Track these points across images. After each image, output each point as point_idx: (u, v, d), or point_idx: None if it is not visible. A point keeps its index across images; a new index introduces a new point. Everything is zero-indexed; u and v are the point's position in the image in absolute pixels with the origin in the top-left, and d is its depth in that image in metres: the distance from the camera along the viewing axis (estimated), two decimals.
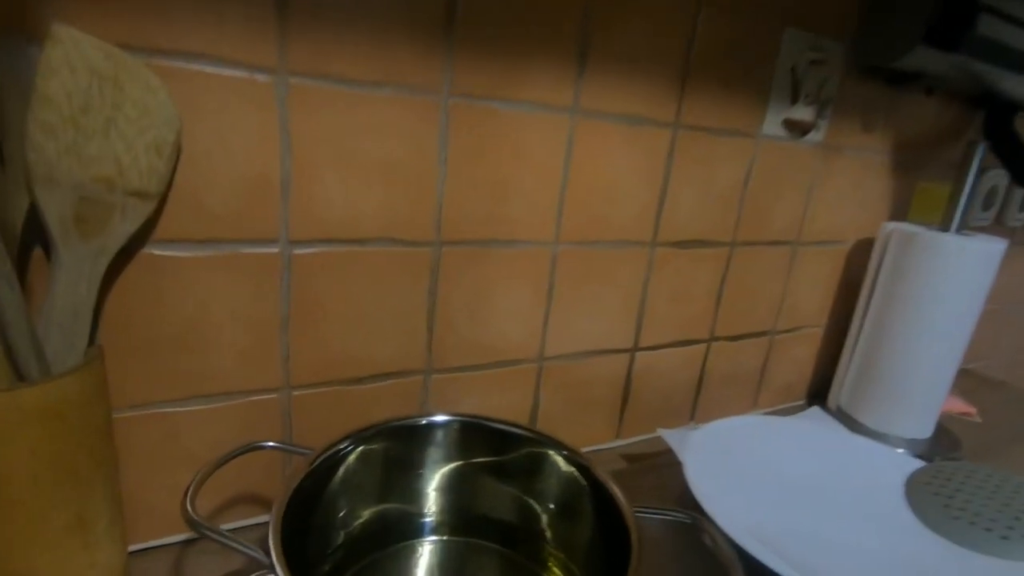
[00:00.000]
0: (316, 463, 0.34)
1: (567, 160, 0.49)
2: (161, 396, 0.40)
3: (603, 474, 0.35)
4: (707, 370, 0.67)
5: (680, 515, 0.33)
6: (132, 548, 0.42)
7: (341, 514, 0.38)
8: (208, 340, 0.40)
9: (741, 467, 0.53)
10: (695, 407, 0.68)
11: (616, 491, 0.33)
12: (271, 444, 0.36)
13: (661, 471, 0.58)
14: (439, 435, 0.40)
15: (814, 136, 0.63)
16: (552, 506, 0.38)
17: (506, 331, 0.52)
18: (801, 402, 0.79)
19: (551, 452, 0.38)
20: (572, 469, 0.37)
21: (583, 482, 0.36)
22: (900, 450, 0.65)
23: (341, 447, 0.36)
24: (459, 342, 0.50)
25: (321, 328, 0.43)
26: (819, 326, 0.76)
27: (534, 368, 0.55)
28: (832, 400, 0.74)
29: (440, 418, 0.40)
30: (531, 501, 0.38)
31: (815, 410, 0.69)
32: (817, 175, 0.65)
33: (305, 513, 0.33)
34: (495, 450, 0.39)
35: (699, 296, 0.63)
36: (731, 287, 0.64)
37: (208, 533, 0.28)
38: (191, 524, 0.28)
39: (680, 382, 0.66)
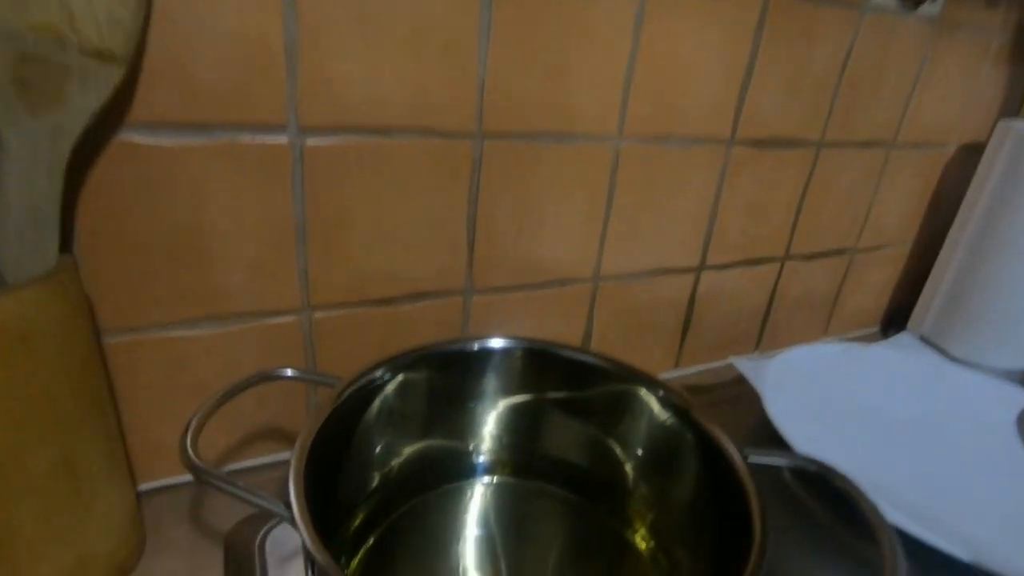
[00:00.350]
0: (345, 396, 0.28)
1: (636, 32, 0.40)
2: (162, 318, 0.34)
3: (707, 420, 0.28)
4: (778, 293, 0.59)
5: (803, 462, 0.26)
6: (144, 487, 0.37)
7: (377, 452, 0.32)
8: (210, 251, 0.33)
9: (829, 401, 0.46)
10: (761, 334, 0.61)
11: (725, 443, 0.26)
12: (288, 373, 0.30)
13: (728, 405, 0.52)
14: (497, 364, 0.33)
15: (929, 8, 0.51)
16: (640, 453, 0.32)
17: (558, 245, 0.44)
18: (874, 330, 0.71)
19: (642, 390, 0.31)
20: (667, 412, 0.30)
21: (682, 429, 0.29)
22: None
23: (376, 376, 0.29)
24: (504, 258, 0.42)
25: (344, 238, 0.36)
26: (904, 244, 0.67)
27: (588, 289, 0.47)
28: (913, 328, 0.66)
29: (498, 343, 0.33)
30: (613, 445, 0.32)
31: (904, 336, 0.61)
32: (925, 60, 0.54)
33: (333, 455, 0.28)
34: (567, 384, 0.33)
35: (777, 207, 0.54)
36: (813, 197, 0.55)
37: (214, 482, 0.22)
38: (194, 471, 0.23)
39: (747, 306, 0.58)
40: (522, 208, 0.41)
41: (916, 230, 0.66)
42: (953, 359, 0.61)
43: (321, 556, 0.18)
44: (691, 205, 0.49)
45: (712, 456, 0.27)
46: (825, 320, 0.66)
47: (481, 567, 0.30)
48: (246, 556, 0.33)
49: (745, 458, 0.25)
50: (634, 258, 0.48)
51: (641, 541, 0.31)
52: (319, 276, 0.37)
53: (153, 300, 0.33)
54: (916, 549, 0.34)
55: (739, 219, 0.52)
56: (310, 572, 0.22)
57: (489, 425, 0.34)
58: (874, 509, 0.23)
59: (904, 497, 0.38)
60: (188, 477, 0.38)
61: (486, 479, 0.35)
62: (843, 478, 0.25)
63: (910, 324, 0.66)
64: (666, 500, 0.30)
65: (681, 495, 0.29)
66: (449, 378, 0.33)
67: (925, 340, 0.64)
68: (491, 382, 0.33)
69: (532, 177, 0.41)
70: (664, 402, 0.30)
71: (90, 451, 0.27)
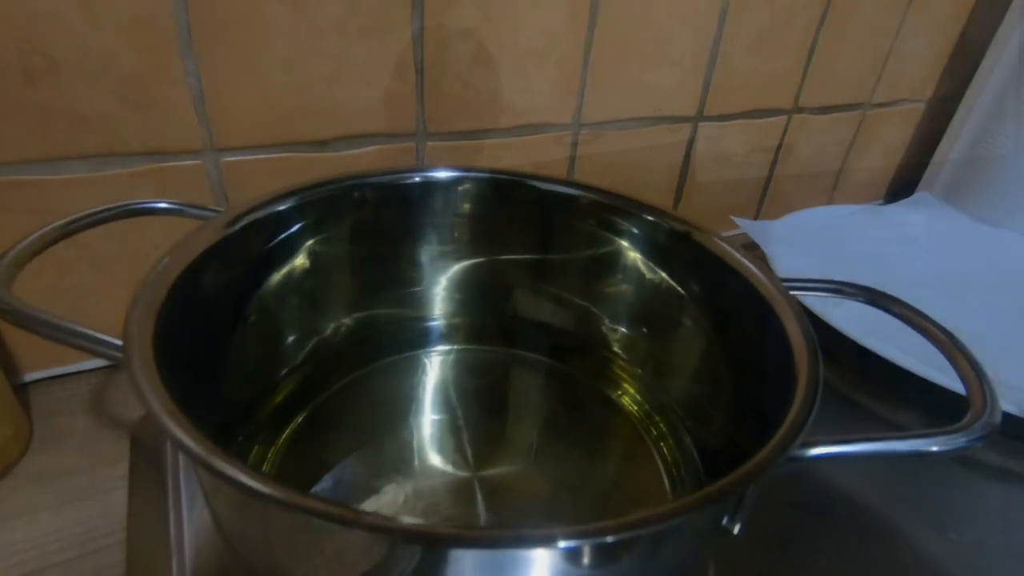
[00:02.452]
0: (239, 227, 0.20)
1: None
2: (11, 154, 0.26)
3: (716, 242, 0.21)
4: (782, 153, 0.52)
5: (849, 288, 0.20)
6: (34, 376, 0.31)
7: (295, 317, 0.26)
8: (60, 58, 0.24)
9: (844, 263, 0.41)
10: (761, 203, 0.54)
11: (748, 264, 0.20)
12: (162, 205, 0.22)
13: None
14: (450, 200, 0.26)
15: None
16: (630, 298, 0.25)
17: (530, 77, 0.36)
18: (880, 202, 0.65)
19: (629, 221, 0.24)
20: (664, 242, 0.23)
21: (685, 259, 0.22)
22: None
23: (281, 208, 0.22)
24: (463, 92, 0.34)
25: (248, 44, 0.28)
26: (921, 101, 0.59)
27: (567, 137, 0.40)
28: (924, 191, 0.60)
29: (445, 174, 0.25)
30: (596, 293, 0.25)
31: (924, 196, 0.55)
32: None
33: (224, 310, 0.21)
34: (538, 224, 0.25)
35: (788, 45, 0.46)
36: (830, 33, 0.47)
37: (28, 324, 0.15)
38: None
39: (748, 171, 0.51)
40: (483, 21, 0.33)
41: (935, 84, 0.59)
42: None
43: (156, 401, 0.12)
44: (691, 34, 0.40)
45: (727, 284, 0.20)
46: (829, 190, 0.59)
47: (439, 443, 0.24)
48: (156, 449, 0.27)
49: (774, 281, 0.19)
50: (623, 101, 0.40)
51: (632, 403, 0.25)
52: (220, 100, 0.28)
53: None
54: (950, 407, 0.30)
55: (746, 57, 0.44)
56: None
57: (444, 281, 0.27)
58: (943, 331, 0.18)
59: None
60: (86, 363, 0.32)
61: (441, 347, 0.29)
62: (900, 302, 0.19)
63: (920, 187, 0.60)
64: (664, 349, 0.24)
65: (684, 341, 0.23)
66: (387, 220, 0.26)
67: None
68: (442, 225, 0.26)
69: None
70: (658, 229, 0.23)
71: None
